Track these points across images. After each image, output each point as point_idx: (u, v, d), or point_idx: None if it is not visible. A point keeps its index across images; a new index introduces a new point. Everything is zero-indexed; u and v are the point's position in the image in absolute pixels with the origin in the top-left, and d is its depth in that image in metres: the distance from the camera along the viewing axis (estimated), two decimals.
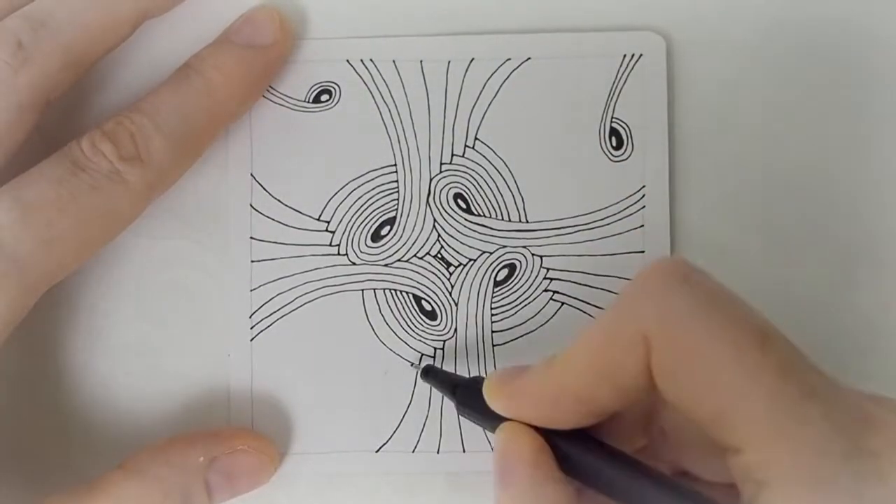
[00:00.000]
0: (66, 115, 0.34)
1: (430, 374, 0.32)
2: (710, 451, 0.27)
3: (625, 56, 0.34)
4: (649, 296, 0.25)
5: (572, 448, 0.27)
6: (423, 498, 0.33)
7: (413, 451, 0.33)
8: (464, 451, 0.33)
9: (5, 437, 0.33)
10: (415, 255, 0.34)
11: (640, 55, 0.34)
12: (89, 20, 0.31)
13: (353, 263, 0.34)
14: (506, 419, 0.27)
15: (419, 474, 0.33)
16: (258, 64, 0.33)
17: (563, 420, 0.27)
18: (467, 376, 0.30)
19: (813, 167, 0.34)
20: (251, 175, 0.34)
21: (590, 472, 0.26)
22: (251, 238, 0.34)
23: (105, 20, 0.32)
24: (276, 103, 0.34)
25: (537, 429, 0.27)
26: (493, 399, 0.28)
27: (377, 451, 0.33)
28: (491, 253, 0.34)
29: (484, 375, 0.29)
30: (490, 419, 0.28)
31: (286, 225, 0.34)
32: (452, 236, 0.34)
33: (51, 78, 0.31)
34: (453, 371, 0.33)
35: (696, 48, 0.34)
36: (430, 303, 0.34)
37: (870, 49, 0.34)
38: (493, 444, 0.28)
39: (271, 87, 0.34)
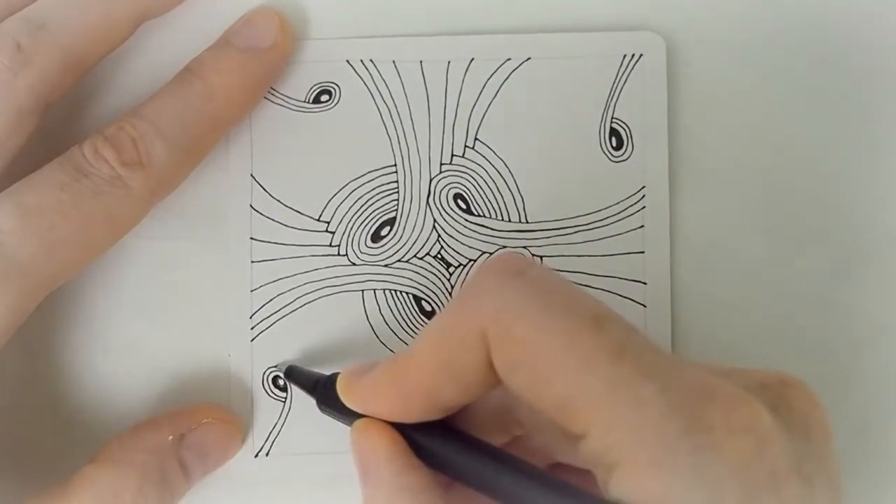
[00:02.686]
0: (66, 118, 0.33)
1: (292, 374, 0.32)
2: (566, 440, 0.27)
3: (625, 56, 0.34)
4: (484, 291, 0.26)
5: (428, 440, 0.27)
6: None
7: None
8: None
9: (5, 437, 0.33)
10: (415, 256, 0.34)
11: (641, 55, 0.34)
12: (88, 21, 0.31)
13: (353, 264, 0.34)
14: (362, 415, 0.28)
15: None
16: (259, 67, 0.33)
17: (412, 414, 0.27)
18: (327, 374, 0.30)
19: (813, 167, 0.34)
20: (251, 175, 0.34)
21: (447, 462, 0.27)
22: (251, 238, 0.34)
23: (104, 21, 0.31)
24: (276, 104, 0.34)
25: (394, 424, 0.28)
26: (346, 395, 0.29)
27: None
28: (491, 253, 0.34)
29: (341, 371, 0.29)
30: (349, 416, 0.28)
31: (286, 225, 0.34)
32: (452, 237, 0.34)
33: (50, 80, 0.31)
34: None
35: (696, 48, 0.34)
36: (430, 303, 0.34)
37: (870, 48, 0.34)
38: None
39: (271, 88, 0.34)
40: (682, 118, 0.34)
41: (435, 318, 0.26)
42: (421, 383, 0.27)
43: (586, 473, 0.26)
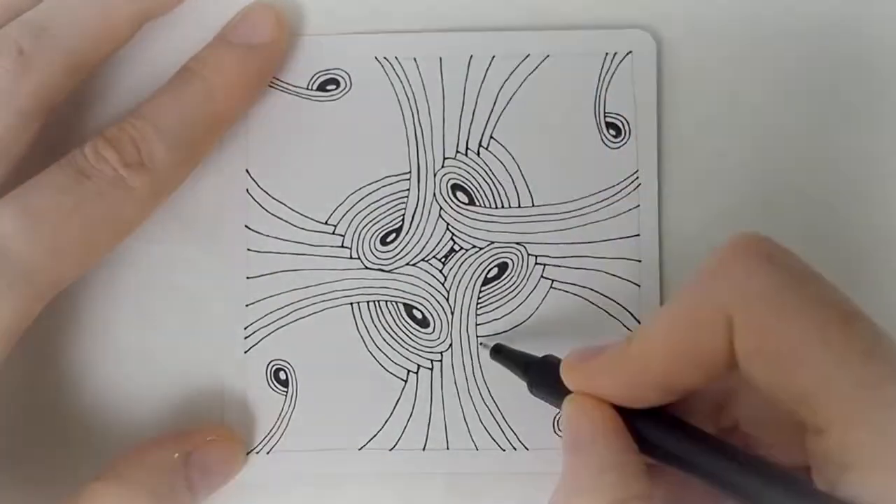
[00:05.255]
0: (69, 121, 0.34)
1: (501, 352, 0.32)
2: (784, 435, 0.27)
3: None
4: (731, 275, 0.25)
5: (649, 425, 0.27)
6: (412, 493, 0.34)
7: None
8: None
9: (6, 439, 0.34)
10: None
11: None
12: (90, 24, 0.31)
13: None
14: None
15: (412, 474, 0.34)
16: (257, 62, 0.33)
17: (642, 399, 0.27)
18: (537, 355, 0.31)
19: (809, 165, 0.34)
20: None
21: (670, 449, 0.27)
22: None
23: (105, 23, 0.32)
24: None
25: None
26: (571, 377, 0.28)
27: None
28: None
29: (554, 354, 0.30)
30: (563, 397, 0.28)
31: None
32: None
33: (53, 84, 0.31)
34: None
35: (686, 44, 0.34)
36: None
37: (862, 46, 0.34)
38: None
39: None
40: (677, 116, 0.34)
41: (671, 300, 0.27)
42: (656, 367, 0.26)
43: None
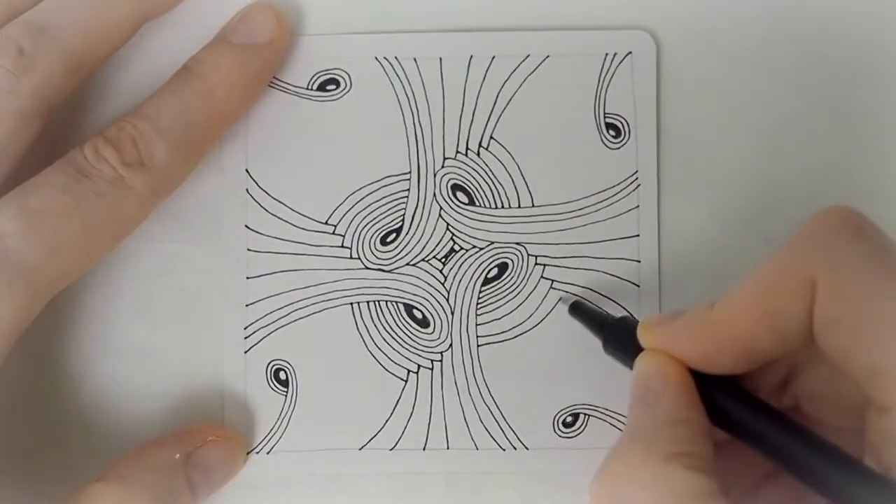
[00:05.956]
0: (67, 119, 0.34)
1: (579, 310, 0.32)
2: (845, 418, 0.27)
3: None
4: (819, 242, 0.25)
5: (719, 391, 0.27)
6: (412, 493, 0.34)
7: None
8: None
9: (6, 439, 0.34)
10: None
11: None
12: (90, 24, 0.31)
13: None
14: None
15: (413, 474, 0.34)
16: (257, 62, 0.33)
17: (718, 364, 0.27)
18: (615, 315, 0.31)
19: (804, 164, 0.34)
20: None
21: (738, 418, 0.26)
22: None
23: (105, 23, 0.32)
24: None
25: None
26: (649, 337, 0.28)
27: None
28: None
29: (631, 315, 0.30)
30: (635, 358, 0.28)
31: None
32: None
33: (53, 84, 0.31)
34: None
35: (686, 45, 0.34)
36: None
37: (862, 47, 0.34)
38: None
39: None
40: (673, 115, 0.34)
41: (757, 267, 0.26)
42: (737, 331, 0.26)
43: None
